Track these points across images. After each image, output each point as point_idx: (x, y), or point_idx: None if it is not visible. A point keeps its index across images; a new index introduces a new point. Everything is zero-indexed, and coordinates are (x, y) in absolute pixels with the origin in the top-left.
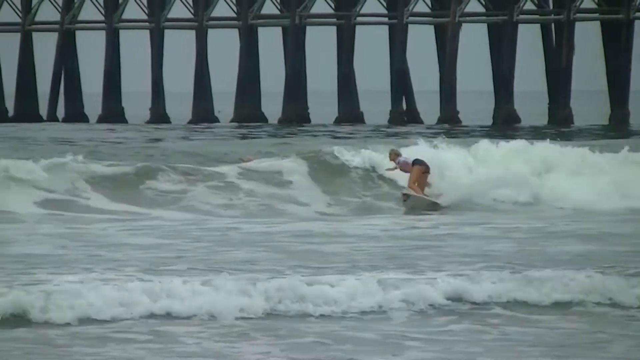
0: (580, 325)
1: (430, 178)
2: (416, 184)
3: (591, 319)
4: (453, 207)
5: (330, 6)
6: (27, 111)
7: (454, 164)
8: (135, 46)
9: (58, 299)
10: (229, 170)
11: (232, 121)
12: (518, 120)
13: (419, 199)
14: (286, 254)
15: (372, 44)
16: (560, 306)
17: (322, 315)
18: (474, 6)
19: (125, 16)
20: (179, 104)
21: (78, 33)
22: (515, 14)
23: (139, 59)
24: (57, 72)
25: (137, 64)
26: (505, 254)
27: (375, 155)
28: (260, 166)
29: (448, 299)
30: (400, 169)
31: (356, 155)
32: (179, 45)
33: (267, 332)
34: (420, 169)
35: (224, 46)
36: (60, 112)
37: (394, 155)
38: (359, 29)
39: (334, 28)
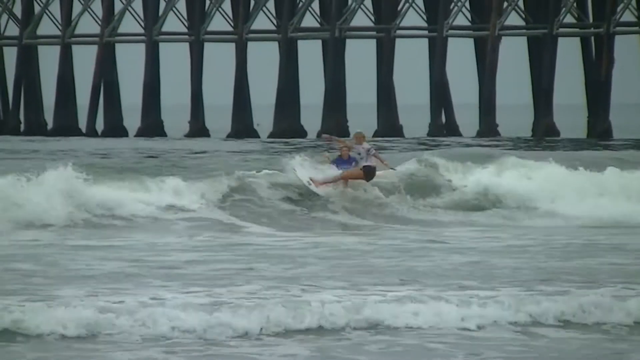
0: None
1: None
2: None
3: None
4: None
5: (370, 19)
6: (66, 124)
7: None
8: (175, 59)
9: None
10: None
11: (271, 134)
12: (557, 133)
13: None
14: None
15: (412, 57)
16: None
17: None
18: (514, 19)
19: (165, 29)
20: (219, 117)
21: (118, 46)
22: (555, 27)
23: (179, 71)
24: (96, 85)
25: (177, 77)
26: None
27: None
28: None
29: None
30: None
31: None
32: (219, 58)
33: None
34: (360, 175)
35: (264, 59)
36: (100, 125)
37: (361, 138)
38: (398, 42)
39: (374, 41)
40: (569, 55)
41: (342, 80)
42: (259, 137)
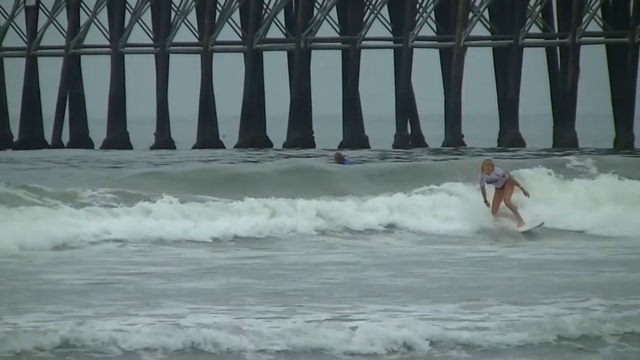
0: None
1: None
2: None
3: None
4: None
5: (336, 30)
6: (32, 136)
7: None
8: (141, 71)
9: None
10: None
11: (236, 146)
12: (523, 144)
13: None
14: None
15: (377, 68)
16: None
17: None
18: (480, 30)
19: (130, 40)
20: (185, 129)
21: (83, 58)
22: (520, 37)
23: (145, 83)
24: (62, 97)
25: (143, 89)
26: None
27: None
28: None
29: None
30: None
31: None
32: (185, 70)
33: None
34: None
35: (230, 70)
36: (66, 136)
37: (490, 166)
38: (364, 53)
39: (340, 52)
40: (534, 65)
41: (307, 92)
42: (224, 148)
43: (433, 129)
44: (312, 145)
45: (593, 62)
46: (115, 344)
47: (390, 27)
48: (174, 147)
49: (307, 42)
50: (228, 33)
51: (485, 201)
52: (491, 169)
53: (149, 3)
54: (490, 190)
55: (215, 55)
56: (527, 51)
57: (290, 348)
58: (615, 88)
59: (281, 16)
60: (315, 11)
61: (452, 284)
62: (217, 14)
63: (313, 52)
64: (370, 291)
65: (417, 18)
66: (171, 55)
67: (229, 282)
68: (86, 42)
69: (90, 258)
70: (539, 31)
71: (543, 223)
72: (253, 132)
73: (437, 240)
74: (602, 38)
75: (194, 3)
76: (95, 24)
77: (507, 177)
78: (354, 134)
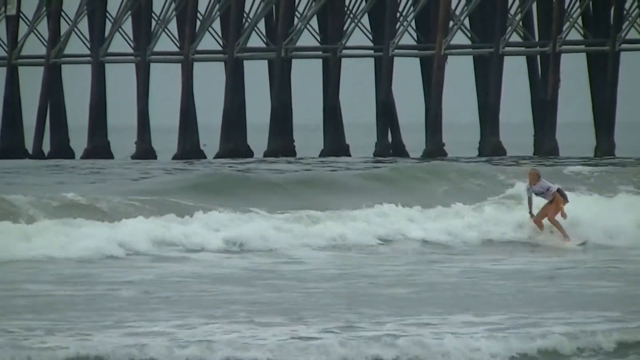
0: None
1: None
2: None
3: None
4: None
5: (316, 39)
6: (12, 146)
7: None
8: (121, 80)
9: None
10: None
11: (217, 155)
12: (504, 152)
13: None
14: None
15: (358, 77)
16: None
17: None
18: (460, 38)
19: (111, 50)
20: (166, 138)
21: (64, 67)
22: (501, 46)
23: (126, 92)
24: (43, 106)
25: (124, 98)
26: None
27: None
28: None
29: None
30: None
31: None
32: (166, 79)
33: None
34: (563, 201)
35: (210, 79)
36: (47, 146)
37: (536, 176)
38: (344, 62)
39: (320, 61)
40: (515, 74)
41: (288, 100)
42: (205, 157)
43: (414, 138)
44: (292, 154)
45: (574, 70)
46: None
47: (370, 36)
48: (155, 157)
49: (288, 51)
50: (209, 42)
51: (530, 213)
52: (536, 180)
53: (129, 12)
54: (541, 201)
55: (195, 64)
56: (507, 59)
57: None
58: (595, 96)
59: (262, 25)
60: (296, 20)
61: None
62: (198, 23)
63: (293, 60)
64: None
65: (397, 27)
66: (152, 64)
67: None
68: (67, 51)
69: None
70: (519, 39)
71: (586, 242)
72: (234, 141)
73: None
74: (582, 46)
75: (174, 12)
76: (76, 33)
77: (554, 192)
78: (335, 143)
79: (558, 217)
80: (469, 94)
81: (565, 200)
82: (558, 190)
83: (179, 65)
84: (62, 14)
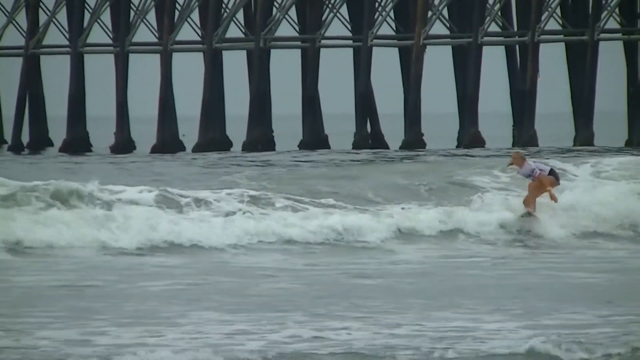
0: None
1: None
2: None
3: None
4: None
5: (295, 29)
6: None
7: None
8: (101, 71)
9: None
10: None
11: (196, 145)
12: (483, 142)
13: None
14: None
15: (336, 67)
16: None
17: None
18: (439, 29)
19: (90, 40)
20: (146, 128)
21: (43, 58)
22: (479, 36)
23: (105, 83)
24: (21, 97)
25: (103, 88)
26: None
27: None
28: None
29: None
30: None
31: None
32: (145, 70)
33: None
34: (553, 182)
35: (190, 70)
36: (26, 136)
37: (520, 159)
38: (323, 52)
39: (299, 51)
40: (494, 64)
41: (267, 91)
42: (184, 148)
43: (393, 128)
44: (271, 145)
45: (552, 60)
46: None
47: (349, 26)
48: (134, 147)
49: (267, 41)
50: (187, 33)
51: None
52: (521, 162)
53: (108, 3)
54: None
55: (174, 54)
56: (486, 49)
57: None
58: (574, 86)
59: (240, 15)
60: (275, 10)
61: None
62: (177, 13)
63: (272, 51)
64: None
65: (376, 17)
66: (131, 55)
67: None
68: (45, 42)
69: None
70: (498, 30)
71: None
72: (213, 132)
73: None
74: (561, 36)
75: (153, 3)
76: (55, 24)
77: (537, 175)
78: (314, 133)
79: (547, 200)
80: (448, 85)
81: (557, 181)
82: (551, 171)
83: (158, 55)
84: (41, 4)
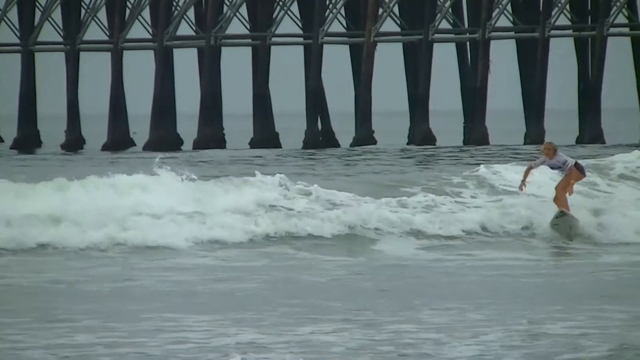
0: None
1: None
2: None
3: None
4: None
5: (246, 27)
6: None
7: None
8: (52, 69)
9: None
10: None
11: (147, 143)
12: (434, 140)
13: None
14: None
15: (287, 65)
16: None
17: None
18: (390, 26)
19: (41, 39)
20: (96, 127)
21: None
22: (430, 33)
23: (56, 81)
24: None
25: (54, 87)
26: None
27: None
28: None
29: None
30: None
31: None
32: (96, 68)
33: None
34: (580, 176)
35: (141, 68)
36: None
37: (552, 150)
38: (274, 50)
39: (250, 49)
40: (445, 61)
41: (218, 89)
42: (135, 145)
43: (344, 125)
44: (222, 143)
45: (504, 57)
46: None
47: (300, 24)
48: (83, 145)
49: (217, 39)
50: (138, 31)
51: (523, 182)
52: (553, 153)
53: (58, 1)
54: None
55: (125, 52)
56: (437, 46)
57: None
58: (525, 82)
59: (191, 13)
60: (225, 8)
61: None
62: (127, 11)
63: (223, 49)
64: None
65: (327, 14)
66: (82, 53)
67: None
68: None
69: None
70: (449, 27)
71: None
72: (164, 130)
73: None
74: (512, 33)
75: (103, 1)
76: (6, 22)
77: (571, 166)
78: (265, 131)
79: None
80: (399, 82)
81: (583, 174)
82: (575, 164)
83: (109, 54)
84: None
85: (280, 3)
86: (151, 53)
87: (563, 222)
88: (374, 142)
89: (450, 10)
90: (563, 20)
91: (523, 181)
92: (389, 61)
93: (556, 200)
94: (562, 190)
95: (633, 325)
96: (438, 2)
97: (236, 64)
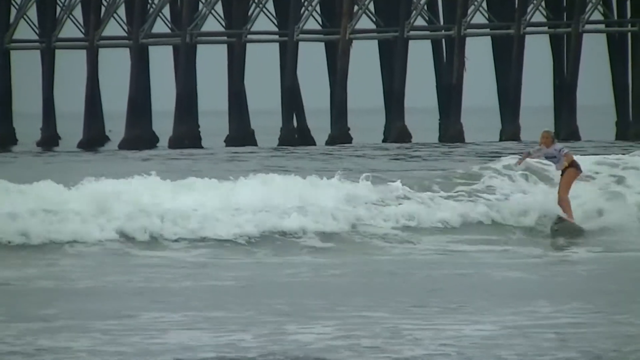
0: None
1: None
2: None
3: None
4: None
5: (221, 24)
6: None
7: None
8: (27, 67)
9: None
10: None
11: (122, 141)
12: (409, 137)
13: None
14: None
15: (263, 62)
16: None
17: None
18: (365, 23)
19: (16, 37)
20: (72, 124)
21: None
22: (405, 30)
23: (32, 79)
24: None
25: (30, 85)
26: None
27: None
28: None
29: None
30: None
31: None
32: (72, 65)
33: None
34: (577, 173)
35: (116, 66)
36: None
37: (550, 139)
38: (249, 47)
39: (225, 46)
40: (421, 58)
41: (193, 86)
42: (110, 141)
43: (320, 123)
44: (197, 141)
45: (480, 54)
46: None
47: (275, 21)
48: (58, 143)
49: (193, 36)
50: (114, 28)
51: (518, 162)
52: (550, 142)
53: None
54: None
55: (101, 50)
56: (412, 43)
57: None
58: (501, 79)
59: (167, 11)
60: (201, 5)
61: None
62: (103, 9)
63: (199, 46)
64: None
65: (302, 11)
66: (57, 51)
67: None
68: None
69: None
70: (424, 24)
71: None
72: (139, 127)
73: None
74: (487, 30)
75: None
76: None
77: (567, 152)
78: (240, 128)
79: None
80: (375, 79)
81: (579, 170)
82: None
83: (85, 51)
84: None
85: (256, 0)
86: (127, 51)
87: (562, 228)
88: (350, 139)
89: (425, 7)
90: (538, 17)
91: (520, 160)
92: (364, 58)
93: (560, 203)
94: (564, 193)
95: None
96: None
97: (212, 62)
